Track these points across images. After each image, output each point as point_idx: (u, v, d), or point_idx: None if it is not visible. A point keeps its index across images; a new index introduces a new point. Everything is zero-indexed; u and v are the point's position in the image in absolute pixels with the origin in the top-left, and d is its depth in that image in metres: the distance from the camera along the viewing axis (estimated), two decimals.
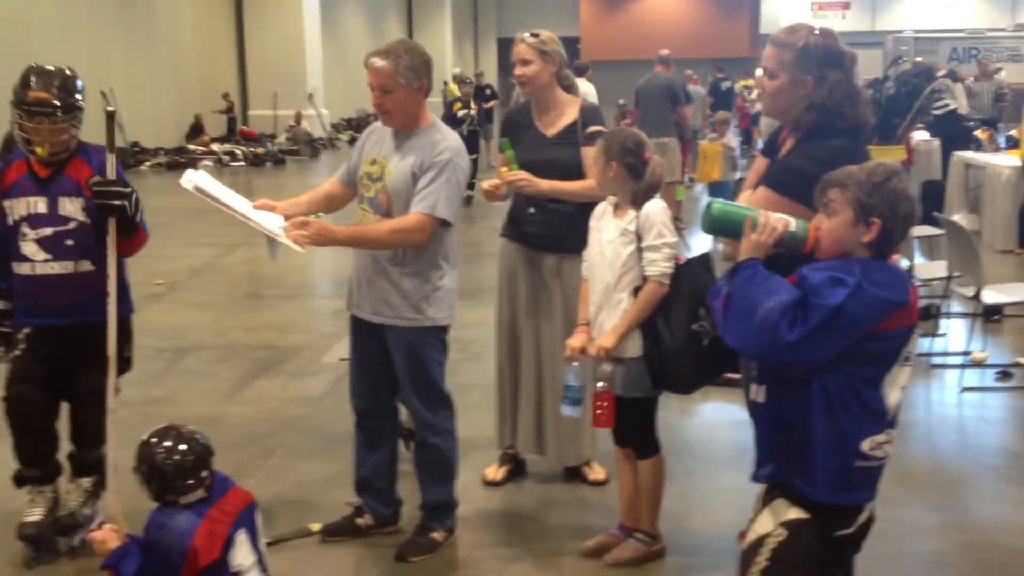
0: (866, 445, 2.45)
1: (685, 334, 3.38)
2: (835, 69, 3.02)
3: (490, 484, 4.40)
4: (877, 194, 2.42)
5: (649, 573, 3.65)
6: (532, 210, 4.12)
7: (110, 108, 3.69)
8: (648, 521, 3.70)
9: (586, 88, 10.88)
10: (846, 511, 2.53)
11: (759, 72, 3.25)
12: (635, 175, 3.51)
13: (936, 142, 12.52)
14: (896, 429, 2.53)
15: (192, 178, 3.65)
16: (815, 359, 2.39)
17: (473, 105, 14.13)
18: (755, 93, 7.67)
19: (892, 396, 2.47)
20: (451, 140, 3.61)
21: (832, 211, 2.48)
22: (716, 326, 2.60)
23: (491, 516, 4.15)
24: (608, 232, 3.55)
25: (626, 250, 3.47)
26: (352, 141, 23.95)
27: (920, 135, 12.64)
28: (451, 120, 15.76)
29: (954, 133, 12.28)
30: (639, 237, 3.46)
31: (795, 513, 2.52)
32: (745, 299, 2.42)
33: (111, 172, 3.61)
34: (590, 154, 3.88)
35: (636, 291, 3.47)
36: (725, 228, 2.63)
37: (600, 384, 3.48)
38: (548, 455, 4.35)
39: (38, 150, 3.61)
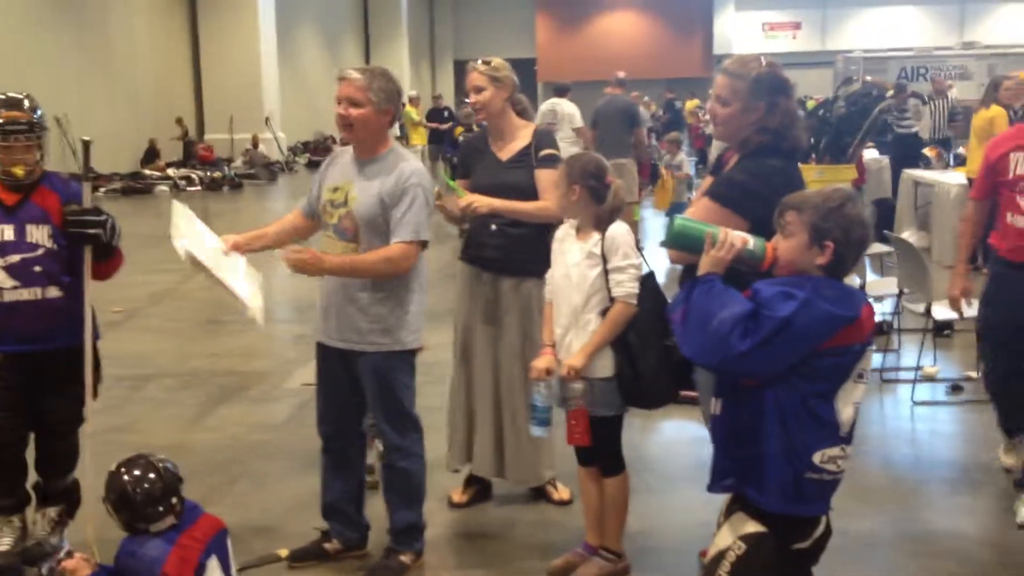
0: (817, 458, 2.53)
1: (659, 350, 3.46)
2: (783, 96, 3.26)
3: (455, 506, 4.45)
4: (832, 219, 2.52)
5: None
6: (494, 227, 4.17)
7: (86, 138, 3.77)
8: (613, 539, 3.76)
9: (570, 109, 10.98)
10: (801, 523, 2.61)
11: (710, 100, 3.39)
12: (597, 199, 3.60)
13: (886, 160, 12.78)
14: (851, 445, 2.61)
15: (183, 245, 3.65)
16: (765, 370, 2.48)
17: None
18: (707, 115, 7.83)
19: (845, 412, 2.55)
20: (414, 163, 3.70)
21: (788, 233, 2.58)
22: (675, 338, 2.69)
23: (457, 538, 4.20)
24: (573, 255, 3.62)
25: (592, 272, 3.55)
26: (310, 164, 24.00)
27: (870, 153, 12.90)
28: (453, 145, 15.74)
29: (907, 153, 12.54)
30: (605, 259, 3.54)
31: (753, 527, 2.59)
32: (701, 311, 2.52)
33: (87, 200, 3.67)
34: (544, 176, 3.97)
35: (604, 312, 3.55)
36: (686, 243, 2.72)
37: (573, 402, 3.54)
38: (508, 476, 4.39)
39: (15, 170, 3.65)
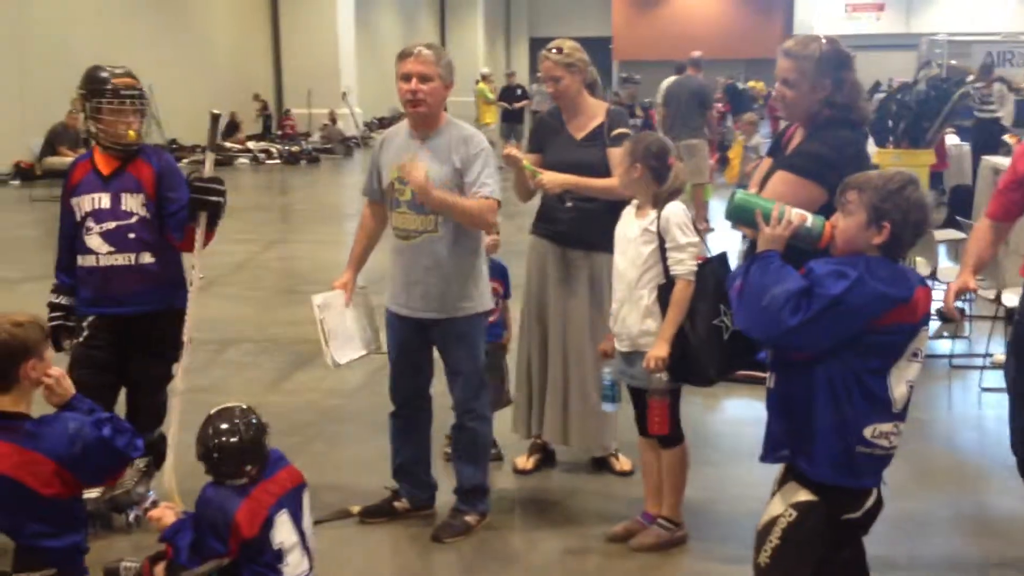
0: (869, 432, 2.61)
1: (707, 329, 3.55)
2: (847, 70, 3.33)
3: (520, 472, 4.59)
4: (891, 200, 2.58)
5: (672, 558, 3.82)
6: (569, 203, 4.25)
7: (216, 111, 3.97)
8: (671, 508, 3.87)
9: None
10: (852, 495, 2.69)
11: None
12: (658, 178, 3.69)
13: (967, 147, 12.54)
14: (904, 422, 2.68)
15: (319, 301, 4.00)
16: (814, 345, 2.57)
17: None
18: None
19: (898, 389, 2.62)
20: (475, 131, 3.90)
21: (848, 211, 2.65)
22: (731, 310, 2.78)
23: (521, 503, 4.35)
24: (631, 231, 3.72)
25: (646, 249, 3.65)
26: None
27: (951, 139, 12.67)
28: None
29: (989, 140, 12.29)
30: (660, 238, 3.63)
31: (804, 495, 2.68)
32: (756, 286, 2.61)
33: (210, 170, 3.92)
34: (615, 155, 4.06)
35: (660, 289, 3.64)
36: (744, 218, 2.80)
37: (656, 394, 3.66)
38: (573, 444, 4.52)
39: (130, 133, 3.88)
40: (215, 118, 4.01)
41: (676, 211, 3.66)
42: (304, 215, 13.62)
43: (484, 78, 19.13)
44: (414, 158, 3.78)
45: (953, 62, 18.92)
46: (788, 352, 2.68)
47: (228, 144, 20.51)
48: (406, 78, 3.74)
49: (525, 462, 4.64)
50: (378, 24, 29.95)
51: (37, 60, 15.47)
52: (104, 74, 3.90)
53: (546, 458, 4.69)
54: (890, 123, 11.36)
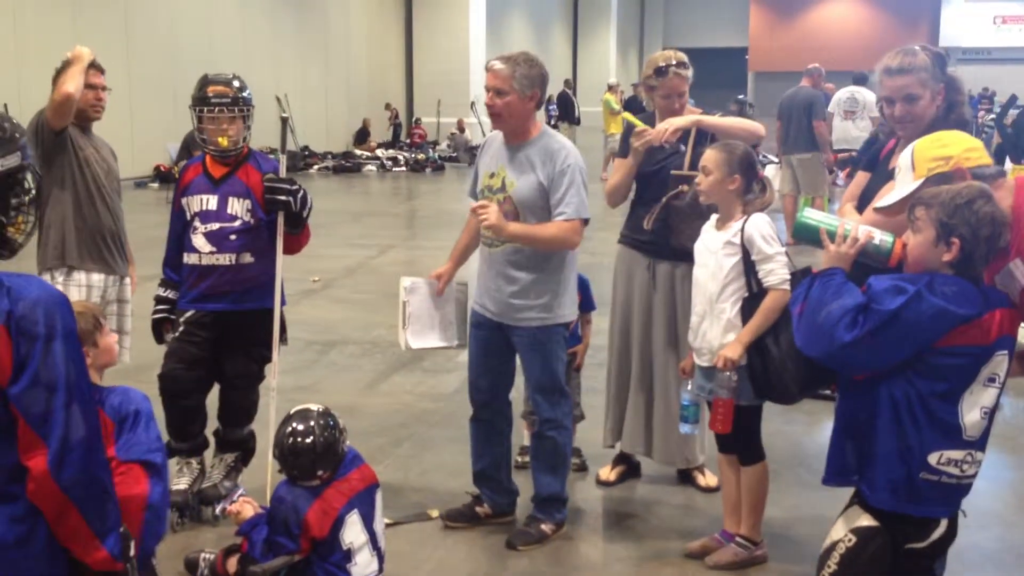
0: (934, 459, 2.50)
1: (791, 345, 3.46)
2: (946, 69, 3.31)
3: (603, 484, 4.57)
4: (959, 216, 2.48)
5: None
6: (647, 226, 4.22)
7: (284, 114, 4.12)
8: (750, 527, 3.79)
9: (871, 97, 10.91)
10: (915, 523, 2.58)
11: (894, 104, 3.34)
12: (748, 191, 3.63)
13: None
14: (983, 451, 2.56)
15: (407, 284, 4.10)
16: (871, 363, 2.48)
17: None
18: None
19: (970, 415, 2.51)
20: (567, 144, 3.84)
21: (917, 228, 2.56)
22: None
23: (601, 514, 4.32)
24: (712, 243, 3.66)
25: (729, 261, 3.58)
26: None
27: None
28: None
29: None
30: (745, 250, 3.56)
31: (866, 520, 2.60)
32: (816, 302, 2.55)
33: (283, 171, 4.04)
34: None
35: (744, 301, 3.57)
36: (809, 236, 2.75)
37: (721, 390, 3.59)
38: (655, 455, 4.48)
39: (221, 139, 4.04)
40: (284, 121, 4.15)
41: (760, 223, 3.58)
42: (423, 221, 13.85)
43: (611, 88, 19.10)
44: (503, 168, 3.84)
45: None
46: (850, 371, 2.60)
47: (357, 151, 21.08)
48: (487, 91, 3.79)
49: (608, 473, 4.61)
50: (510, 34, 30.26)
51: (184, 70, 16.23)
52: (204, 83, 4.07)
53: (630, 470, 4.65)
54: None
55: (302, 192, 4.04)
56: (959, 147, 2.75)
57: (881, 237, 2.65)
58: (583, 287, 4.65)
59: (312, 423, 3.26)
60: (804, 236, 2.77)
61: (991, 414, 2.57)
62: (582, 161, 3.83)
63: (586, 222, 3.80)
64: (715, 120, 4.21)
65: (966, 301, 2.45)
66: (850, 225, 2.68)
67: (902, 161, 2.84)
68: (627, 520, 4.25)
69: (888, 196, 2.88)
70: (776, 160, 19.00)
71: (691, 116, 4.19)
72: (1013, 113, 13.05)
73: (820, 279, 2.59)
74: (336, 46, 22.12)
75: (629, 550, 3.96)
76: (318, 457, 3.23)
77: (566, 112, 22.67)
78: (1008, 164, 11.40)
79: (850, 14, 40.62)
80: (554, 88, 26.28)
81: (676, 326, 4.26)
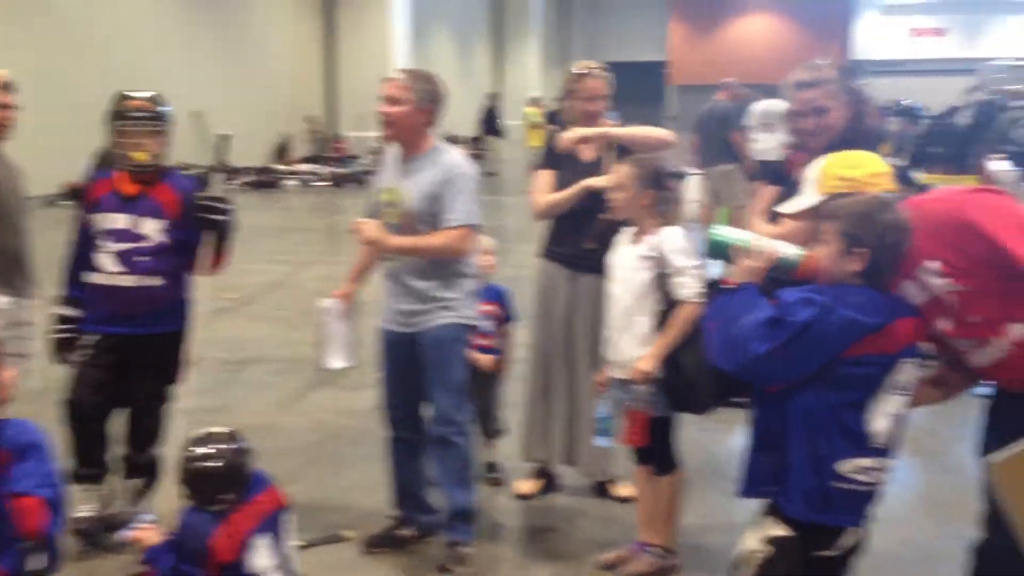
0: (846, 467, 2.53)
1: (704, 356, 3.49)
2: (853, 81, 3.39)
3: (521, 497, 4.55)
4: (863, 226, 2.52)
5: None
6: (590, 246, 4.21)
7: (225, 132, 4.04)
8: (665, 536, 3.81)
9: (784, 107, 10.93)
10: (829, 532, 2.61)
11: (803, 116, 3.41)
12: (665, 205, 3.65)
13: (1015, 172, 12.23)
14: (893, 458, 2.60)
15: (325, 305, 4.11)
16: (785, 375, 2.50)
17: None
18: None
19: (878, 423, 2.54)
20: (456, 155, 3.86)
21: (824, 241, 2.60)
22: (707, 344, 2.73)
23: (517, 529, 4.31)
24: (626, 258, 3.68)
25: (643, 275, 3.61)
26: None
27: (998, 165, 12.38)
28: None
29: None
30: (660, 263, 3.59)
31: (779, 530, 2.61)
32: (728, 317, 2.56)
33: (216, 189, 3.94)
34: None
35: (660, 314, 3.59)
36: (721, 253, 2.77)
37: (635, 403, 3.61)
38: (580, 467, 4.48)
39: (139, 155, 3.94)
40: (224, 139, 4.08)
41: (673, 237, 3.61)
42: (345, 236, 13.67)
43: (533, 102, 19.21)
44: (398, 182, 3.84)
45: (1017, 87, 18.50)
46: (763, 383, 2.63)
47: (277, 166, 20.83)
48: (383, 99, 3.80)
49: (526, 486, 4.60)
50: (434, 50, 30.21)
51: (97, 86, 15.86)
52: (122, 97, 3.99)
53: (548, 483, 4.64)
54: (937, 149, 11.19)
55: (233, 213, 4.00)
56: (865, 171, 2.82)
57: (790, 251, 2.69)
58: (503, 298, 4.66)
59: (217, 446, 3.19)
60: (715, 252, 2.80)
61: (899, 421, 2.60)
62: (472, 170, 3.85)
63: (475, 229, 3.82)
64: (623, 131, 4.25)
65: (874, 311, 2.49)
66: (760, 240, 2.72)
67: (811, 172, 2.88)
68: (545, 534, 4.24)
69: (790, 204, 2.94)
70: (696, 172, 19.19)
71: (600, 128, 4.22)
72: (924, 124, 13.42)
73: (732, 294, 2.61)
74: (255, 60, 21.86)
75: (546, 564, 3.95)
76: (224, 481, 3.15)
77: (490, 125, 22.74)
78: (919, 174, 11.72)
79: (767, 28, 41.38)
80: (478, 101, 26.38)
81: (600, 340, 4.27)
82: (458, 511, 3.93)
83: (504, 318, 4.67)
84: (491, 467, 4.73)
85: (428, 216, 3.76)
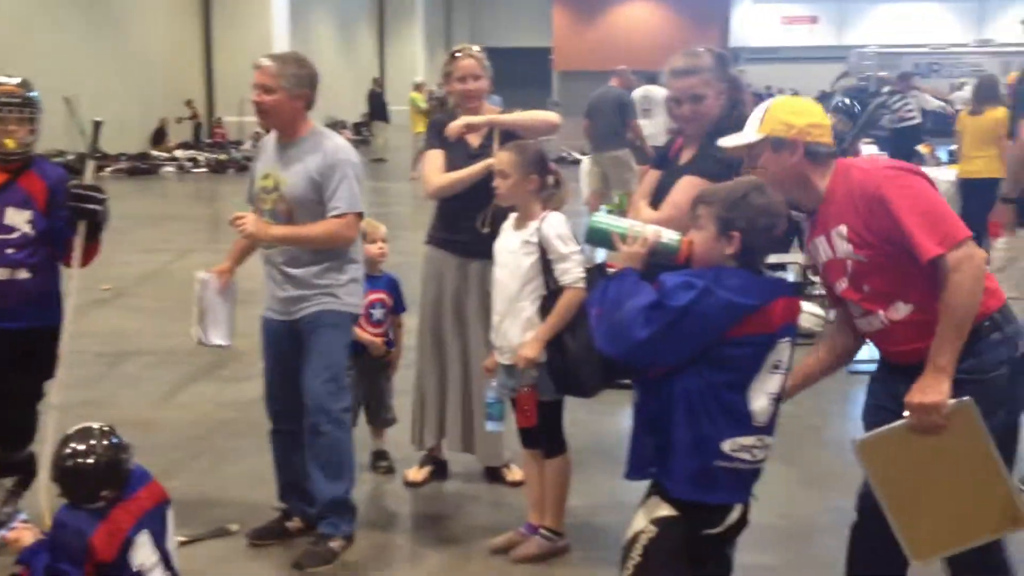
0: (727, 447, 2.57)
1: (588, 340, 3.51)
2: (731, 67, 3.45)
3: (411, 485, 4.53)
4: (737, 209, 2.57)
5: (553, 569, 3.78)
6: (484, 228, 4.18)
7: (98, 119, 3.89)
8: (554, 519, 3.84)
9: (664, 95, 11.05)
10: (713, 510, 2.65)
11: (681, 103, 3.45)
12: (548, 189, 3.66)
13: (885, 156, 12.72)
14: (772, 435, 2.66)
15: (202, 277, 4.01)
16: (668, 359, 2.54)
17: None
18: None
19: (757, 402, 2.59)
20: (338, 140, 3.81)
21: (699, 225, 2.64)
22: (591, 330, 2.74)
23: (408, 517, 4.30)
24: (511, 243, 3.68)
25: (527, 260, 3.61)
26: None
27: (869, 148, 12.84)
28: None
29: (904, 149, 12.46)
30: (542, 249, 3.60)
31: (665, 510, 2.64)
32: (611, 302, 2.58)
33: (90, 178, 3.79)
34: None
35: (543, 299, 3.61)
36: (601, 240, 2.78)
37: (524, 387, 3.63)
38: (477, 454, 4.48)
39: (7, 141, 3.75)
40: (96, 124, 3.93)
41: (556, 222, 3.63)
42: (226, 224, 13.35)
43: (417, 87, 19.08)
44: (276, 167, 3.77)
45: (882, 73, 19.20)
46: (648, 367, 2.65)
47: (154, 152, 20.25)
48: (254, 89, 3.73)
49: (416, 474, 4.57)
50: (315, 34, 29.73)
51: None
52: None
53: (438, 470, 4.63)
54: None
55: (107, 203, 3.83)
56: (807, 119, 2.78)
57: (669, 236, 2.72)
58: (394, 288, 4.61)
59: (92, 442, 3.07)
60: (596, 239, 2.80)
61: (777, 400, 2.66)
62: (355, 157, 3.80)
63: (360, 216, 3.77)
64: (510, 117, 4.26)
65: (751, 292, 2.53)
66: (639, 226, 2.74)
67: (755, 111, 2.85)
68: (436, 520, 4.23)
69: (730, 139, 2.90)
70: (581, 156, 19.40)
71: (486, 116, 4.21)
72: None
73: (614, 280, 2.63)
74: (129, 43, 21.14)
75: (437, 551, 3.94)
76: (101, 478, 3.04)
77: (377, 111, 22.51)
78: None
79: (648, 15, 42.01)
80: (364, 87, 26.07)
81: (489, 325, 4.26)
82: (328, 503, 3.82)
83: (395, 307, 4.63)
84: (381, 456, 4.69)
85: (308, 203, 3.70)
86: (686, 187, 3.31)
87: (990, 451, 2.63)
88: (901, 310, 2.68)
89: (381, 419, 4.67)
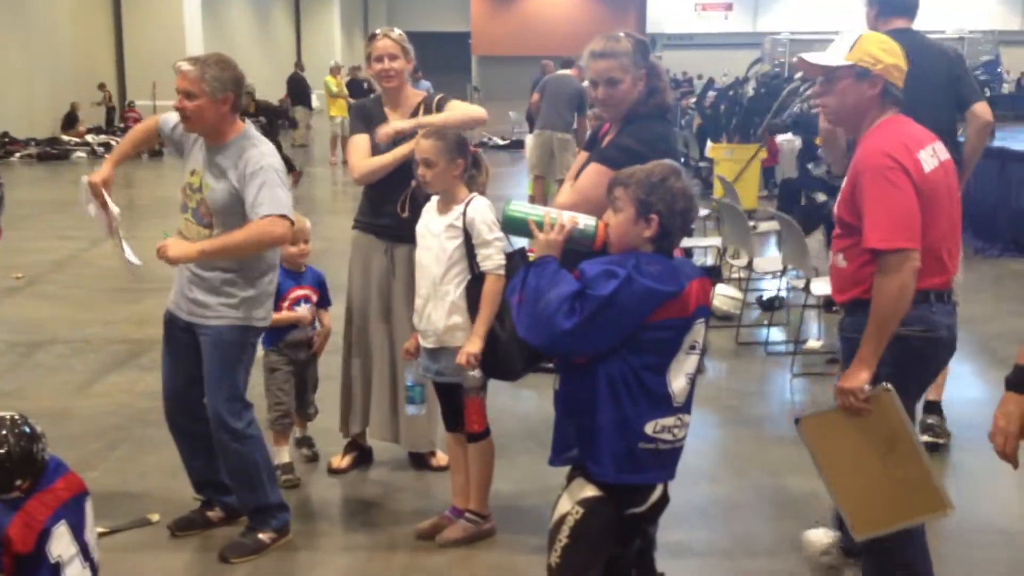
0: (650, 428, 2.62)
1: (513, 325, 3.55)
2: (651, 55, 3.46)
3: (335, 472, 4.51)
4: (656, 192, 2.61)
5: (479, 552, 3.81)
6: (403, 213, 4.21)
7: None
8: (478, 502, 3.86)
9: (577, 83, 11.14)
10: (637, 490, 2.70)
11: (587, 85, 3.51)
12: (468, 171, 3.67)
13: (798, 142, 13.00)
14: (689, 414, 2.71)
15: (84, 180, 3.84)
16: (592, 347, 2.57)
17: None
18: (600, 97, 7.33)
19: (676, 383, 2.64)
20: (261, 146, 3.66)
21: (617, 208, 2.67)
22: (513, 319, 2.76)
23: (332, 505, 4.28)
24: (434, 226, 3.69)
25: (451, 244, 3.62)
26: None
27: (782, 135, 13.11)
28: None
29: (811, 136, 12.74)
30: (467, 233, 3.61)
31: (590, 491, 2.67)
32: (532, 292, 2.60)
33: None
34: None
35: (467, 284, 3.62)
36: (517, 228, 2.80)
37: (471, 392, 3.66)
38: (403, 442, 4.48)
39: None
40: None
41: (482, 207, 3.64)
42: (141, 210, 13.10)
43: (332, 71, 18.87)
44: (202, 168, 3.67)
45: (795, 59, 19.55)
46: (572, 356, 2.68)
47: (65, 137, 19.72)
48: (177, 92, 3.59)
49: (340, 461, 4.56)
50: (228, 16, 29.22)
51: None
52: None
53: (363, 456, 4.62)
54: (724, 120, 11.72)
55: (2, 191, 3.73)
56: (894, 59, 2.93)
57: (585, 222, 2.74)
58: (319, 283, 4.54)
59: (3, 432, 3.01)
60: (513, 228, 2.81)
61: (693, 379, 2.73)
62: (278, 162, 3.66)
63: (287, 220, 3.58)
64: (438, 118, 4.16)
65: (669, 278, 2.58)
66: (555, 213, 2.76)
67: (844, 36, 2.95)
68: (362, 506, 4.23)
69: (815, 56, 2.99)
70: (502, 141, 19.38)
71: (413, 120, 4.17)
72: (711, 95, 14.01)
73: (534, 268, 2.64)
74: (37, 24, 20.52)
75: (362, 539, 3.94)
76: (14, 467, 2.97)
77: (299, 96, 22.15)
78: (708, 144, 12.28)
79: (565, 1, 42.18)
80: (282, 71, 25.67)
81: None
82: (252, 510, 3.82)
83: (321, 302, 4.56)
84: (305, 442, 4.67)
85: (230, 210, 3.59)
86: (589, 174, 3.37)
87: (911, 436, 2.80)
88: (840, 263, 3.00)
89: (305, 413, 4.63)
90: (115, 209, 3.84)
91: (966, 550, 3.85)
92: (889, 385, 2.79)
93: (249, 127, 3.76)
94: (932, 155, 2.92)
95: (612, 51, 3.39)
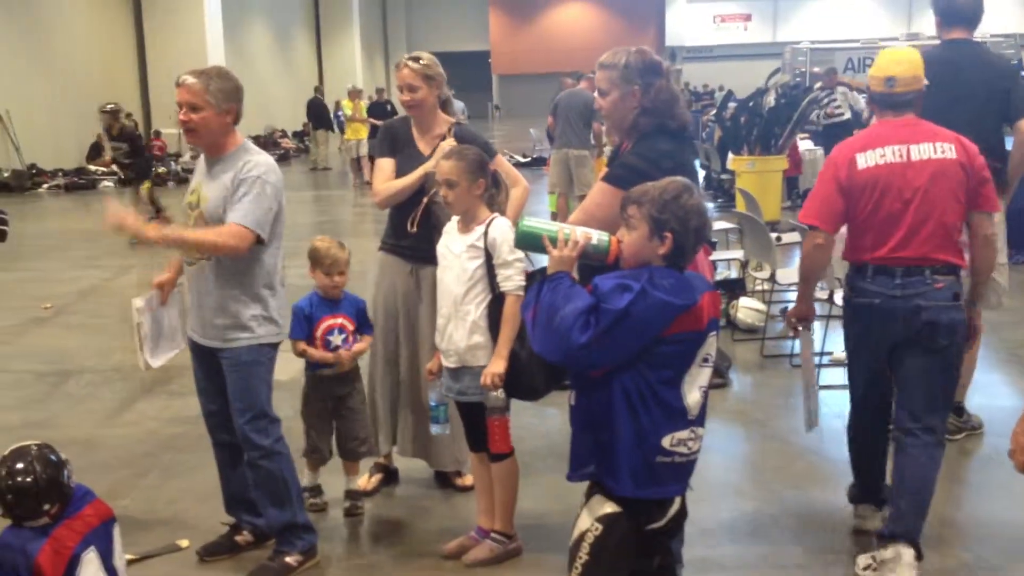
0: (667, 441, 2.63)
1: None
2: (656, 77, 3.44)
3: (361, 494, 4.52)
4: (669, 210, 2.63)
5: (505, 572, 3.81)
6: (412, 228, 4.26)
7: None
8: (503, 522, 3.87)
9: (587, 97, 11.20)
10: (655, 505, 2.71)
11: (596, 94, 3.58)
12: (489, 191, 3.70)
13: (820, 151, 12.97)
14: (703, 427, 2.72)
15: (139, 305, 3.92)
16: (607, 361, 2.58)
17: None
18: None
19: (691, 396, 2.65)
20: (260, 158, 3.68)
21: (631, 226, 2.69)
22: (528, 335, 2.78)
23: (358, 526, 4.29)
24: (455, 246, 3.71)
25: (473, 264, 3.64)
26: None
27: (804, 144, 13.07)
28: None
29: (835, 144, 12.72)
30: (488, 254, 3.63)
31: (609, 508, 2.68)
32: (547, 308, 2.61)
33: None
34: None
35: (489, 304, 3.64)
36: (532, 244, 2.82)
37: (495, 412, 3.66)
38: (430, 460, 4.50)
39: None
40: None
41: (504, 227, 3.66)
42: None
43: (349, 94, 19.03)
44: (200, 184, 3.70)
45: (816, 69, 19.52)
46: (587, 370, 2.69)
47: (91, 167, 19.94)
48: (180, 107, 3.62)
49: (366, 482, 4.58)
50: (250, 42, 29.49)
51: None
52: None
53: (388, 477, 4.64)
54: (744, 132, 11.68)
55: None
56: (872, 71, 3.81)
57: (599, 237, 2.75)
58: (358, 311, 4.39)
59: (30, 459, 3.05)
60: (527, 243, 2.83)
61: (707, 392, 2.73)
62: (276, 178, 3.65)
63: (259, 239, 3.57)
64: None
65: (683, 292, 2.59)
66: (569, 229, 2.78)
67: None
68: (387, 529, 4.24)
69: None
70: (523, 159, 19.47)
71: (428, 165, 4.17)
72: (731, 107, 13.98)
73: (548, 284, 2.66)
74: (61, 56, 20.80)
75: (388, 560, 3.95)
76: (42, 493, 3.02)
77: (320, 119, 22.31)
78: (729, 156, 12.25)
79: (583, 17, 42.32)
80: (303, 94, 25.85)
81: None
82: (278, 528, 3.83)
83: (360, 329, 4.40)
84: (314, 491, 4.50)
85: (221, 219, 3.60)
86: (595, 194, 3.40)
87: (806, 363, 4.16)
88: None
89: (348, 450, 4.40)
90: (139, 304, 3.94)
91: (1001, 558, 3.81)
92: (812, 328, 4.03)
93: (248, 140, 3.79)
94: (895, 154, 3.62)
95: (608, 63, 3.44)
